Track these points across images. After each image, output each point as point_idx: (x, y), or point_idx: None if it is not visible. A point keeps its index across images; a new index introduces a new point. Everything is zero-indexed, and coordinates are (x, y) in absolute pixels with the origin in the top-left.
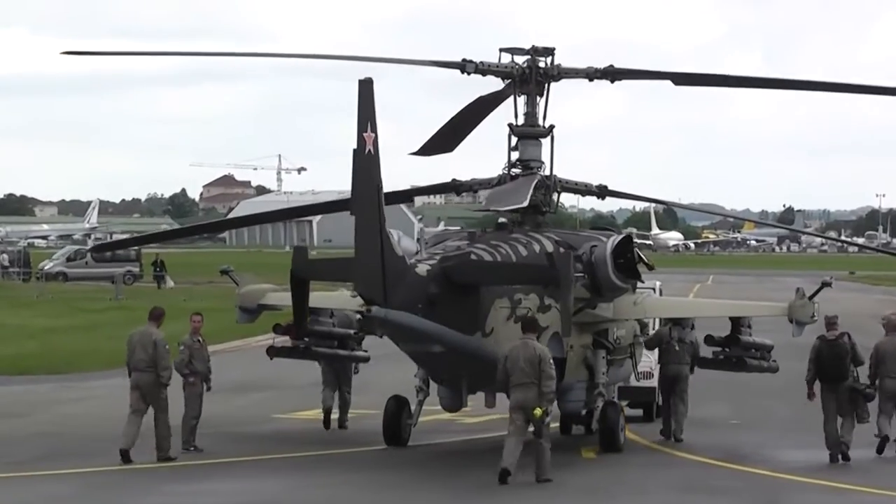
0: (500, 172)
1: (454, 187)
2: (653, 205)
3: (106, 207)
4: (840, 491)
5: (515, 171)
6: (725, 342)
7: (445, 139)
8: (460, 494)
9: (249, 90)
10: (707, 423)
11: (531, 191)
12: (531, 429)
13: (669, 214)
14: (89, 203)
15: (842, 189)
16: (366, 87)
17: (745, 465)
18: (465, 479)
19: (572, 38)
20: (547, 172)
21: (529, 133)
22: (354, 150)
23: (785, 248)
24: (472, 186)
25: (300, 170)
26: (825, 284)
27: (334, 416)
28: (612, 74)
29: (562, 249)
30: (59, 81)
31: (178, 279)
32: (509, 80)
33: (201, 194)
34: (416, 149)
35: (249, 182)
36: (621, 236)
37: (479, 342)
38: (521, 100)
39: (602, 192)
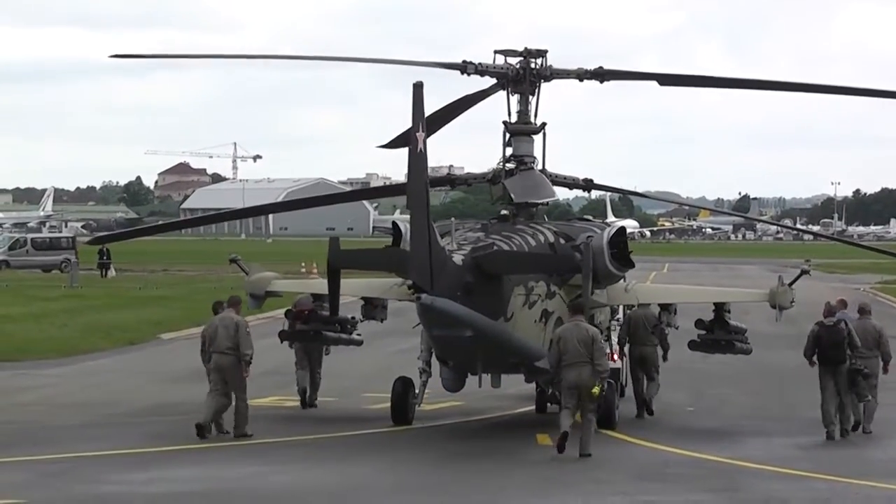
0: (496, 167)
1: (450, 181)
2: (609, 193)
3: (61, 195)
4: (796, 478)
5: (510, 165)
6: (713, 326)
7: None
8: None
9: (204, 78)
10: (664, 410)
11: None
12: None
13: (625, 202)
14: (44, 191)
15: (797, 177)
16: (418, 90)
17: (702, 452)
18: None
19: (529, 27)
20: (540, 167)
21: (523, 130)
22: (409, 149)
23: (740, 235)
24: (466, 180)
25: (255, 157)
26: (804, 272)
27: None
28: (602, 75)
29: (562, 240)
30: (13, 69)
31: (132, 268)
32: (495, 80)
33: (156, 182)
34: (384, 142)
35: (205, 170)
36: (616, 227)
37: (503, 326)
38: (514, 99)
39: (588, 185)
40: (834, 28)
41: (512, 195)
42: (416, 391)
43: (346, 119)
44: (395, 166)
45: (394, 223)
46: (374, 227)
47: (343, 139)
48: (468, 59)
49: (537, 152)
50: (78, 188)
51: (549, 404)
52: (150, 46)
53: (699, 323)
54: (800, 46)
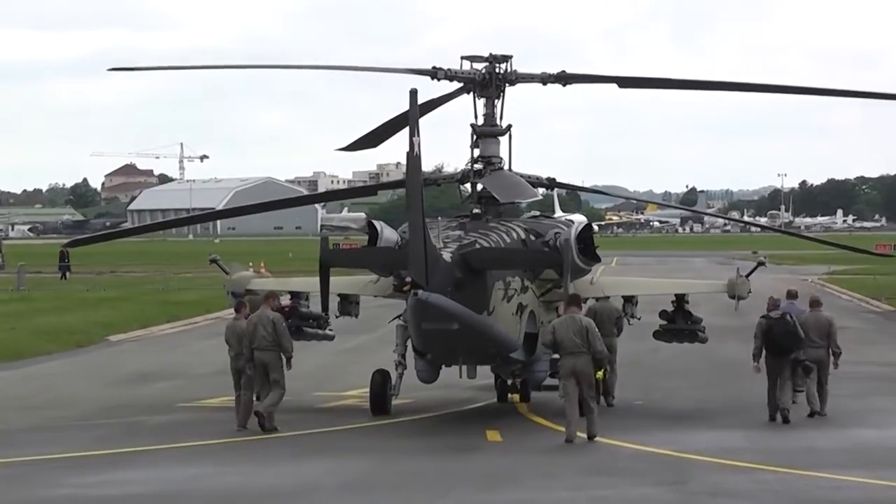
0: (464, 167)
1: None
2: (556, 188)
3: (7, 198)
4: (744, 469)
5: (478, 166)
6: (675, 317)
7: (376, 136)
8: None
9: (150, 78)
10: (613, 403)
11: None
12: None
13: (572, 197)
14: None
15: (744, 169)
16: (413, 97)
17: (651, 445)
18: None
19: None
20: (507, 167)
21: (490, 132)
22: (407, 153)
23: (688, 228)
24: (436, 181)
25: (202, 157)
26: (760, 264)
27: None
28: (564, 79)
29: (532, 236)
30: None
31: (79, 270)
32: (461, 84)
33: (103, 184)
34: (343, 145)
35: (152, 171)
36: (583, 224)
37: (487, 320)
38: (481, 102)
39: (551, 183)
40: (777, 19)
41: (496, 196)
42: (393, 383)
43: (293, 118)
44: (341, 166)
45: (369, 222)
46: (321, 226)
47: (290, 138)
48: (438, 66)
49: (503, 153)
50: (24, 191)
51: (509, 395)
52: (96, 48)
53: (664, 314)
54: (746, 38)
